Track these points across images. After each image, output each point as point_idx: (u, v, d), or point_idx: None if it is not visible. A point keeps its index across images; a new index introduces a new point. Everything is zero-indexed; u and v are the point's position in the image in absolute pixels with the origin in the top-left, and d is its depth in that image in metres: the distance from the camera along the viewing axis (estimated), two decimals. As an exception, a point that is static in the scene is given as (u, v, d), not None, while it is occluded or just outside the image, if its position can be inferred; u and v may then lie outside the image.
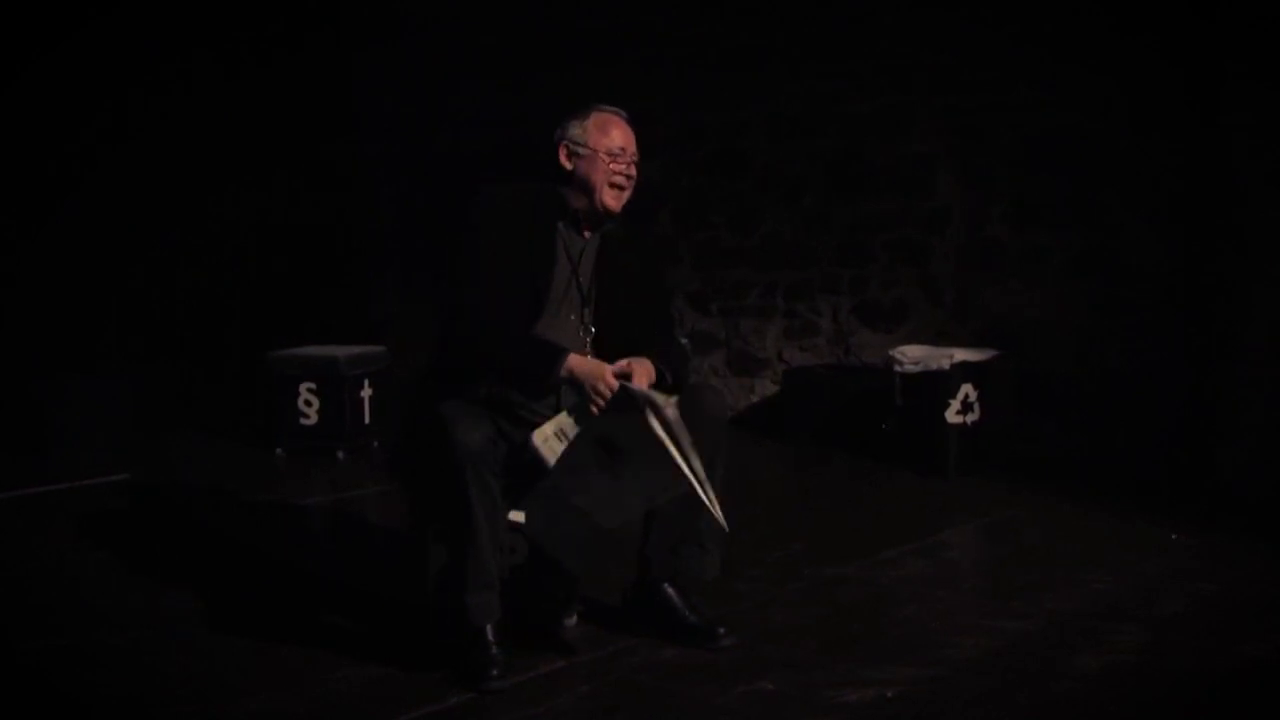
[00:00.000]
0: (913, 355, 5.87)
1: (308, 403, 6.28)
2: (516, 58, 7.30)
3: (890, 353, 6.00)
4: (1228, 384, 5.49)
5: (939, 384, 5.75)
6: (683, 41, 7.06)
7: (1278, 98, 5.19)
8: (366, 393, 6.39)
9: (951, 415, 5.72)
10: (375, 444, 6.38)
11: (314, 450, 6.30)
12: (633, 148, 3.46)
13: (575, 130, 3.45)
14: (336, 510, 5.51)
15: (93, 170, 6.97)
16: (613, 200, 3.45)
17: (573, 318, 3.48)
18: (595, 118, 3.47)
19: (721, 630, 3.48)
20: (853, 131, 6.76)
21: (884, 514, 5.24)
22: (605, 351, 3.45)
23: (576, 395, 3.31)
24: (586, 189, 3.44)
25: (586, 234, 3.51)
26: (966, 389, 5.75)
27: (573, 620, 3.68)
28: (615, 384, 3.23)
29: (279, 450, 6.32)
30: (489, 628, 3.27)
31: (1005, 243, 6.39)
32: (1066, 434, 6.01)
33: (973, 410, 5.76)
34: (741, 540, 4.46)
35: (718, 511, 3.26)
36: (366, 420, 6.39)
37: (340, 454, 6.26)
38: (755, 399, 7.14)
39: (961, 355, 5.81)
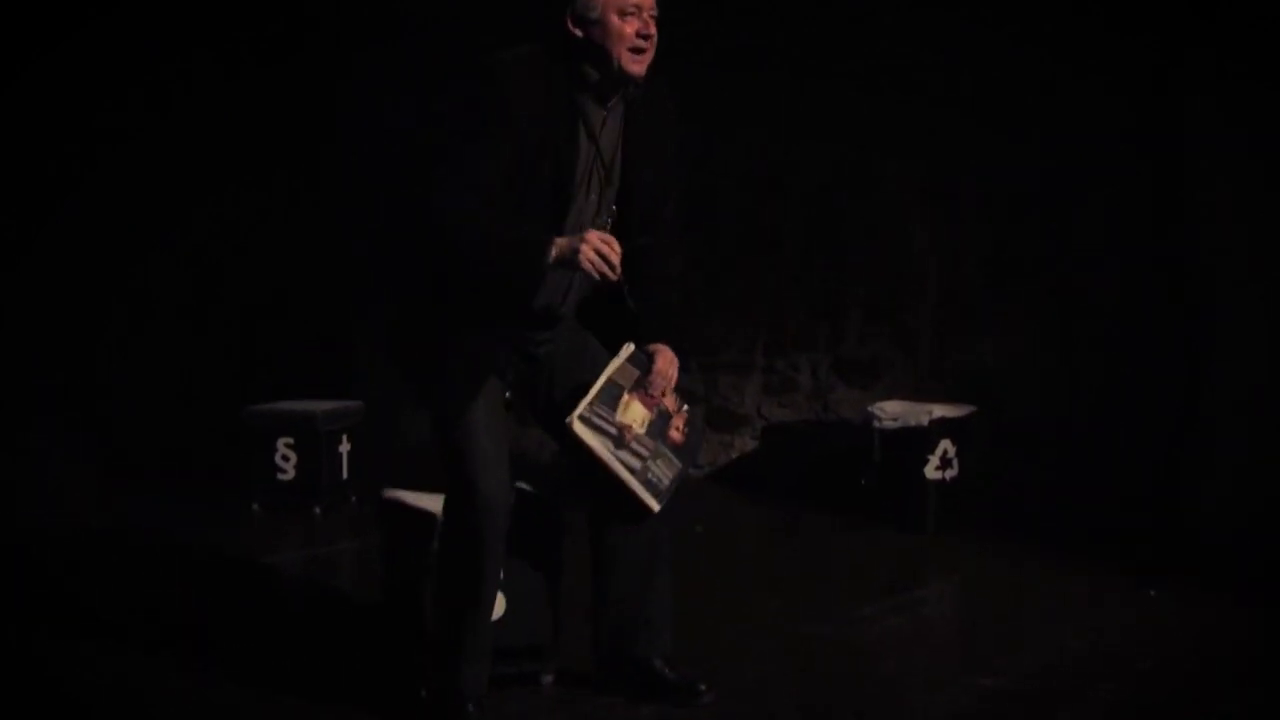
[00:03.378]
0: (891, 411, 5.88)
1: (285, 458, 6.24)
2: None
3: (869, 409, 6.00)
4: (1205, 438, 5.51)
5: (918, 440, 5.75)
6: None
7: (1256, 148, 5.25)
8: (344, 448, 6.36)
9: (931, 471, 5.72)
10: (353, 499, 6.34)
11: (290, 506, 6.25)
12: (648, 3, 3.09)
13: None
14: (315, 566, 5.48)
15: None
16: (634, 65, 3.07)
17: (593, 197, 3.20)
18: None
19: (702, 687, 3.43)
20: (828, 187, 6.80)
21: (863, 570, 5.23)
22: (621, 236, 3.19)
23: (604, 379, 3.24)
24: (601, 58, 3.07)
25: (608, 104, 3.17)
26: (945, 445, 5.76)
27: (550, 679, 3.66)
28: (600, 239, 2.95)
29: (255, 506, 6.28)
30: None
31: (980, 298, 6.42)
32: (1044, 489, 6.02)
33: (951, 466, 5.77)
34: (719, 596, 4.46)
35: (643, 494, 3.26)
36: (344, 476, 6.36)
37: (317, 510, 6.22)
38: (734, 455, 7.13)
39: (940, 411, 5.82)
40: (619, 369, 3.27)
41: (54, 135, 6.81)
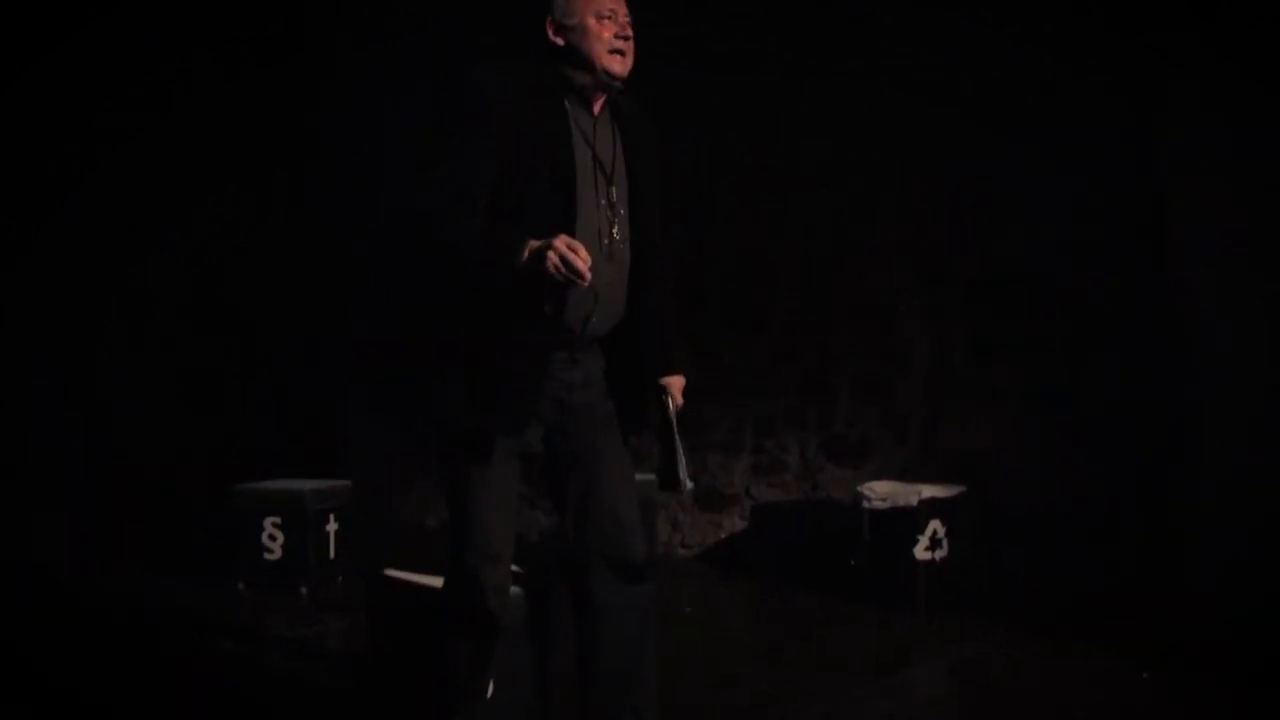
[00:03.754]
0: (880, 492, 5.88)
1: (272, 537, 6.21)
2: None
3: (858, 489, 6.00)
4: (1188, 519, 5.51)
5: (907, 520, 5.75)
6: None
7: (1238, 242, 5.29)
8: (331, 527, 6.33)
9: (920, 552, 5.71)
10: (340, 579, 6.30)
11: (277, 586, 6.20)
12: (623, 8, 3.22)
13: (558, 4, 3.22)
14: (302, 647, 5.42)
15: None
16: (616, 65, 3.18)
17: (602, 202, 3.24)
18: None
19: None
20: (816, 266, 6.85)
21: (853, 651, 5.19)
22: (633, 240, 3.30)
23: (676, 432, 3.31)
24: (584, 62, 3.19)
25: (596, 109, 3.27)
26: (935, 525, 5.75)
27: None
28: (566, 244, 2.90)
29: (241, 585, 6.23)
30: None
31: (968, 377, 6.44)
32: (1033, 569, 6.00)
33: (941, 546, 5.76)
34: (707, 679, 4.42)
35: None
36: (331, 555, 6.32)
37: (304, 590, 6.18)
38: (723, 535, 7.11)
39: (929, 492, 5.82)
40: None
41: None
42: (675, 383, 3.44)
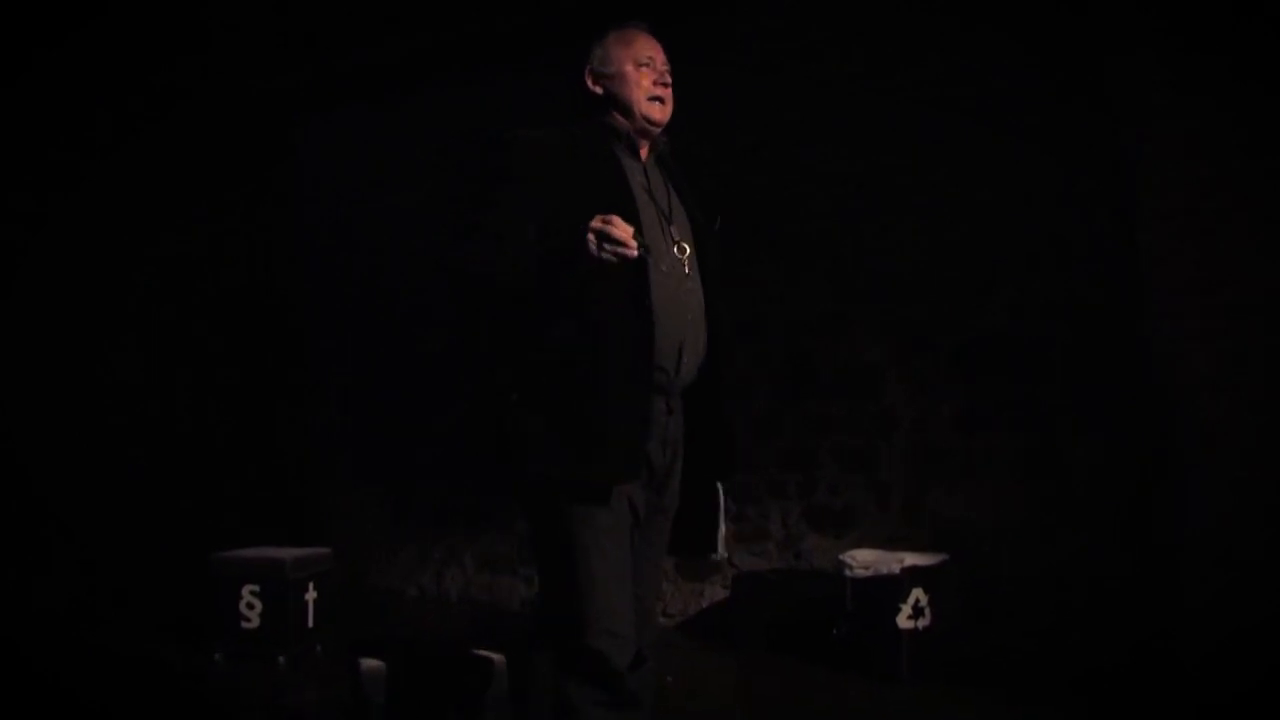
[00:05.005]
0: (863, 560, 5.86)
1: (250, 605, 6.15)
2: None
3: (840, 557, 5.98)
4: (1176, 582, 5.51)
5: (890, 589, 5.73)
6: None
7: (1213, 306, 5.32)
8: (311, 596, 6.28)
9: (903, 620, 5.68)
10: (318, 648, 6.24)
11: (255, 655, 6.13)
12: (661, 56, 3.25)
13: (596, 54, 3.26)
14: (279, 718, 5.37)
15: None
16: (656, 111, 3.21)
17: (671, 244, 3.18)
18: (613, 35, 3.27)
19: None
20: (801, 337, 6.87)
21: (837, 722, 5.17)
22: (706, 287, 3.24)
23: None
24: (624, 109, 3.22)
25: (643, 155, 3.26)
26: (918, 594, 5.73)
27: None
28: (600, 219, 2.78)
29: (217, 655, 6.16)
30: None
31: (952, 444, 6.44)
32: (1019, 637, 5.98)
33: (924, 615, 5.73)
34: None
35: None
36: (310, 624, 6.26)
37: (281, 659, 6.11)
38: (705, 604, 7.07)
39: (912, 560, 5.80)
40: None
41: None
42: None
